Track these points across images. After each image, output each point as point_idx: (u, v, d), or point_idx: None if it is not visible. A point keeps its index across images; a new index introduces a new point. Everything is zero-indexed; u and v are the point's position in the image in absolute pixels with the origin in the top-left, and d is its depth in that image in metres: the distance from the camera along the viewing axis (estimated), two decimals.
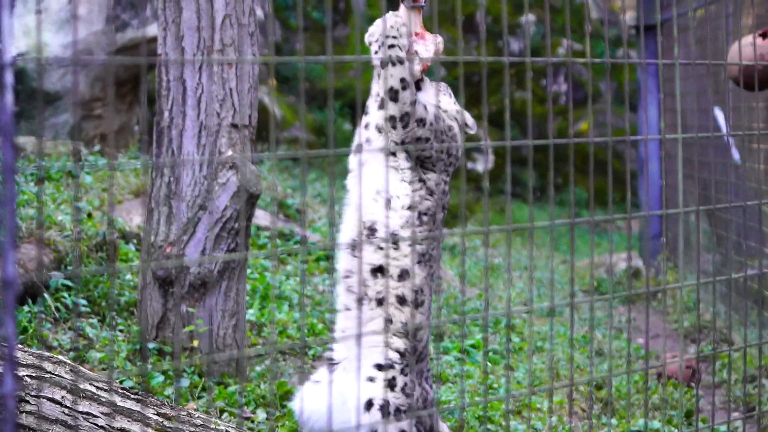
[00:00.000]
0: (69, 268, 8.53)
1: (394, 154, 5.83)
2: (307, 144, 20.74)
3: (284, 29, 22.49)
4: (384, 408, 5.61)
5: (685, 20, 12.76)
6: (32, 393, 5.49)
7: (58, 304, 8.11)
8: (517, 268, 14.85)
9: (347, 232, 5.87)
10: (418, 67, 5.89)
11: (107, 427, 5.47)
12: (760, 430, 7.22)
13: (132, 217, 10.46)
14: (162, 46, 7.80)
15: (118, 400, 5.58)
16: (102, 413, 5.50)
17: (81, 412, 5.48)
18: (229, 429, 5.77)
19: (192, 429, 5.65)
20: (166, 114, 7.77)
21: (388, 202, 5.76)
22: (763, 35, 7.56)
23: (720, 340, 10.36)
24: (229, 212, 7.63)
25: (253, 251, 10.82)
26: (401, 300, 5.76)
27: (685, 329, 11.10)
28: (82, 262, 8.81)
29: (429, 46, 5.94)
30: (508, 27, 23.25)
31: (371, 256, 5.76)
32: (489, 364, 9.24)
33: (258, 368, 8.06)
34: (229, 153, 7.68)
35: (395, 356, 5.74)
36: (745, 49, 7.39)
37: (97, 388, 5.60)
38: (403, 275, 5.76)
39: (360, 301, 5.73)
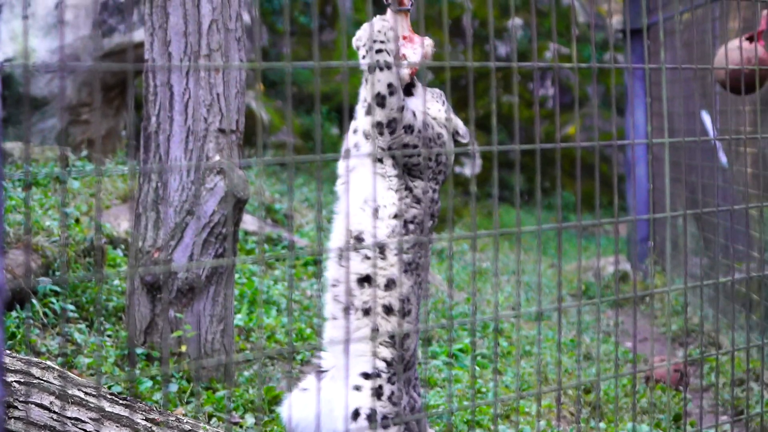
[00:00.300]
0: (57, 273, 8.52)
1: (381, 160, 5.78)
2: (294, 148, 20.75)
3: (271, 34, 22.50)
4: (371, 417, 5.60)
5: (672, 24, 12.79)
6: (21, 399, 5.48)
7: (46, 310, 8.09)
8: (505, 273, 14.87)
9: (335, 240, 5.84)
10: (406, 71, 5.83)
11: None
12: None
13: (120, 223, 10.44)
14: (149, 51, 7.80)
15: (107, 406, 5.57)
16: (90, 419, 5.49)
17: (69, 418, 5.48)
18: None
19: None
20: (154, 119, 7.76)
21: (375, 211, 5.73)
22: (750, 39, 7.59)
23: (708, 344, 10.37)
24: (216, 217, 7.63)
25: (241, 256, 10.82)
26: (388, 310, 5.73)
27: (673, 333, 11.12)
28: (69, 268, 8.80)
29: (417, 49, 5.88)
30: (495, 31, 23.27)
31: (358, 266, 5.73)
32: (477, 368, 9.25)
33: (246, 373, 8.06)
34: (217, 158, 7.67)
35: (382, 365, 5.71)
36: (731, 52, 7.43)
37: (86, 393, 5.59)
38: (390, 285, 5.73)
39: (347, 310, 5.71)
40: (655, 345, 11.01)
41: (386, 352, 5.74)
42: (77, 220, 9.57)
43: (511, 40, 23.46)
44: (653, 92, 13.87)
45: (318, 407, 5.50)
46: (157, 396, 7.25)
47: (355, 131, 5.91)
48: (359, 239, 5.72)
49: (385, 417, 5.63)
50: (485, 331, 10.54)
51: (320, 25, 22.28)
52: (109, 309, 8.45)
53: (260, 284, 9.68)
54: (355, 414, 5.62)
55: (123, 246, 9.69)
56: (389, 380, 5.70)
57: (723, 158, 10.75)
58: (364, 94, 5.83)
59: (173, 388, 7.43)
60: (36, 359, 5.76)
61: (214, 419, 7.13)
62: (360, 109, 5.89)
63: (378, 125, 5.71)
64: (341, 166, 5.92)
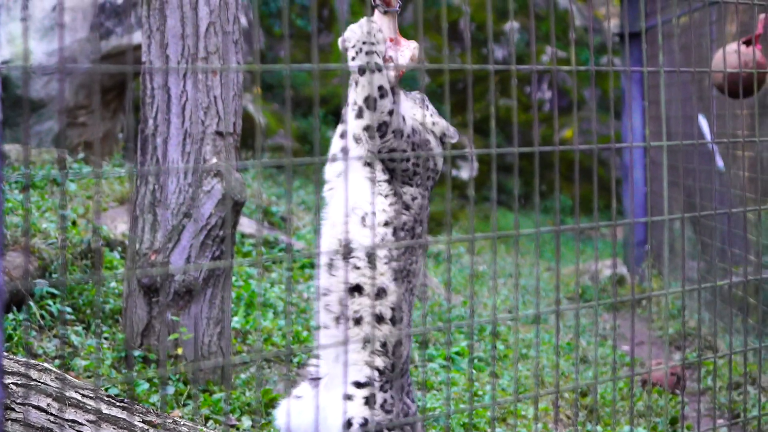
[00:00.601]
0: (54, 275, 8.52)
1: (370, 165, 5.71)
2: (291, 151, 20.75)
3: (268, 37, 22.51)
4: (364, 426, 5.56)
5: (669, 27, 12.80)
6: (18, 401, 5.48)
7: (44, 312, 8.09)
8: (502, 276, 14.87)
9: (324, 248, 5.74)
10: (392, 74, 5.70)
11: None
12: None
13: (117, 225, 10.44)
14: (146, 53, 7.80)
15: (104, 408, 5.57)
16: (88, 421, 5.49)
17: (67, 420, 5.47)
18: None
19: None
20: (151, 122, 7.76)
21: (363, 219, 5.65)
22: (747, 43, 7.60)
23: (705, 347, 10.37)
24: (213, 220, 7.63)
25: (238, 259, 10.82)
26: (379, 318, 5.68)
27: (670, 336, 11.13)
28: (67, 270, 8.80)
29: (404, 52, 5.74)
30: (493, 34, 23.28)
31: (348, 276, 5.67)
32: (474, 371, 9.25)
33: (243, 376, 8.05)
34: (214, 161, 7.67)
35: (374, 374, 5.67)
36: (729, 56, 7.43)
37: (83, 395, 5.59)
38: (381, 294, 5.67)
39: (338, 320, 5.67)
40: (652, 348, 11.01)
41: (378, 361, 5.69)
42: (74, 223, 9.57)
43: (508, 43, 23.48)
44: (651, 96, 13.88)
45: (316, 415, 5.49)
46: (155, 398, 7.25)
47: (342, 135, 5.79)
48: (348, 247, 5.64)
49: (378, 425, 5.60)
50: (482, 334, 10.54)
51: (317, 28, 22.28)
52: (106, 311, 8.45)
53: (257, 287, 9.67)
54: (348, 424, 5.59)
55: (120, 248, 9.68)
56: (381, 388, 5.67)
57: (720, 162, 10.75)
58: (354, 96, 5.65)
59: (170, 390, 7.43)
60: (33, 361, 5.76)
61: (210, 422, 7.13)
62: (349, 111, 5.67)
63: (368, 128, 5.58)
64: (328, 171, 5.81)
